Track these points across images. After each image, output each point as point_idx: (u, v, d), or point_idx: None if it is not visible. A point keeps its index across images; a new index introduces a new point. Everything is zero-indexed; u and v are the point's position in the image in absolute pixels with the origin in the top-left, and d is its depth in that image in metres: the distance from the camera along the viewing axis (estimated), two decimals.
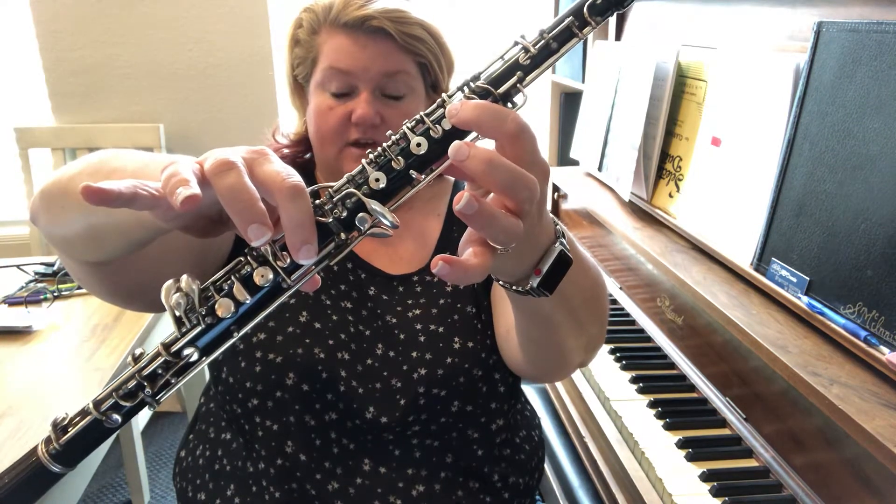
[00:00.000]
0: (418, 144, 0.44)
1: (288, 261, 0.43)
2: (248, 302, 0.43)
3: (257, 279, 0.42)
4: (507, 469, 0.90)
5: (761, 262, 0.94)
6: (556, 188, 1.72)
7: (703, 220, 1.10)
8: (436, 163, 0.45)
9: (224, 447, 0.88)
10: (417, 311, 0.85)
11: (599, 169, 1.48)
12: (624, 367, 1.18)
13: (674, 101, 1.23)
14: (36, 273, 1.55)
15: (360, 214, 0.43)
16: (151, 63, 2.18)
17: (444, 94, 0.46)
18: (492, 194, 0.44)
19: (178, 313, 0.43)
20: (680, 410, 1.04)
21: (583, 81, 1.74)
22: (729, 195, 1.04)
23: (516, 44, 0.47)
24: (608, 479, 1.02)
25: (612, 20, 1.60)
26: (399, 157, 0.44)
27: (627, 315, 1.32)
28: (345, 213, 0.43)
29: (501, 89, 0.46)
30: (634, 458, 0.98)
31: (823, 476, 0.79)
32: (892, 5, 0.82)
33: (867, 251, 0.76)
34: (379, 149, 0.45)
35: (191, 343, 0.43)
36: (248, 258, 0.43)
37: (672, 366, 1.15)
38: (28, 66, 2.20)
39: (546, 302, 0.54)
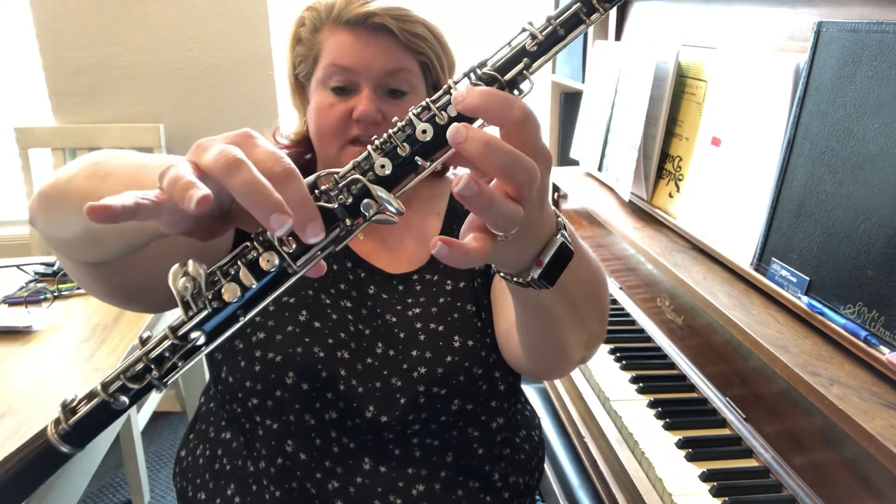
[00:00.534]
0: (424, 131, 0.44)
1: (294, 246, 0.43)
2: (254, 287, 0.43)
3: (263, 264, 0.42)
4: (507, 469, 0.90)
5: (761, 262, 0.94)
6: (556, 188, 1.72)
7: (703, 220, 1.10)
8: (441, 150, 0.45)
9: (224, 447, 0.88)
10: (417, 310, 0.85)
11: (599, 169, 1.48)
12: (624, 367, 1.18)
13: (674, 101, 1.23)
14: (36, 273, 1.55)
15: (366, 201, 0.43)
16: (151, 63, 2.18)
17: (450, 81, 0.46)
18: (494, 181, 0.44)
19: (185, 297, 0.43)
20: (680, 410, 1.04)
21: (583, 81, 1.74)
22: (729, 195, 1.04)
23: (524, 30, 0.46)
24: (608, 479, 1.02)
25: (613, 20, 1.60)
26: (405, 144, 0.44)
27: (627, 315, 1.32)
28: (350, 200, 0.43)
29: (508, 76, 0.45)
30: (634, 458, 0.98)
31: (823, 476, 0.79)
32: (892, 5, 0.82)
33: (867, 251, 0.76)
34: (385, 135, 0.45)
35: (197, 326, 0.43)
36: (255, 243, 0.43)
37: (672, 366, 1.15)
38: (28, 66, 2.19)
39: (547, 295, 0.54)
